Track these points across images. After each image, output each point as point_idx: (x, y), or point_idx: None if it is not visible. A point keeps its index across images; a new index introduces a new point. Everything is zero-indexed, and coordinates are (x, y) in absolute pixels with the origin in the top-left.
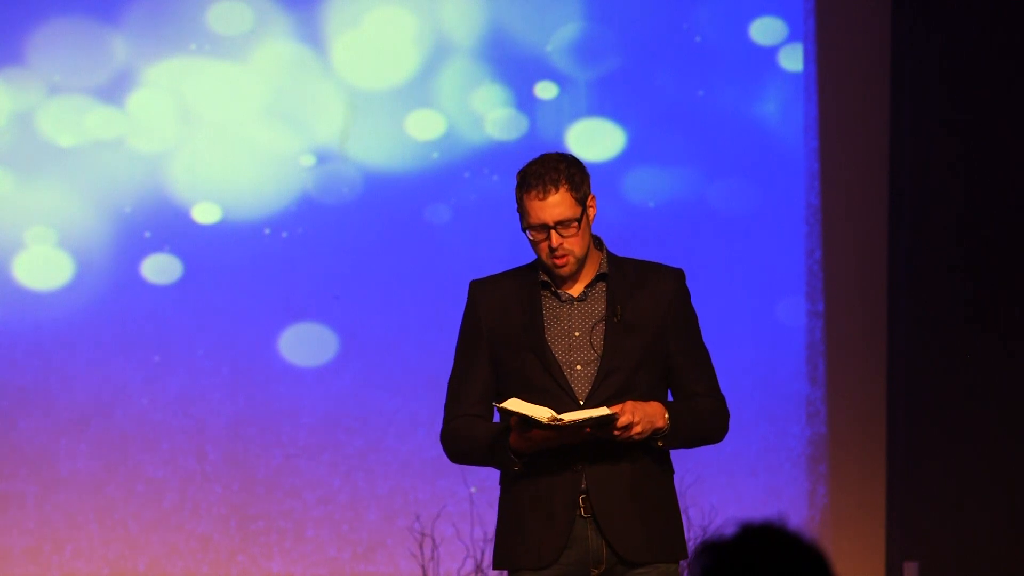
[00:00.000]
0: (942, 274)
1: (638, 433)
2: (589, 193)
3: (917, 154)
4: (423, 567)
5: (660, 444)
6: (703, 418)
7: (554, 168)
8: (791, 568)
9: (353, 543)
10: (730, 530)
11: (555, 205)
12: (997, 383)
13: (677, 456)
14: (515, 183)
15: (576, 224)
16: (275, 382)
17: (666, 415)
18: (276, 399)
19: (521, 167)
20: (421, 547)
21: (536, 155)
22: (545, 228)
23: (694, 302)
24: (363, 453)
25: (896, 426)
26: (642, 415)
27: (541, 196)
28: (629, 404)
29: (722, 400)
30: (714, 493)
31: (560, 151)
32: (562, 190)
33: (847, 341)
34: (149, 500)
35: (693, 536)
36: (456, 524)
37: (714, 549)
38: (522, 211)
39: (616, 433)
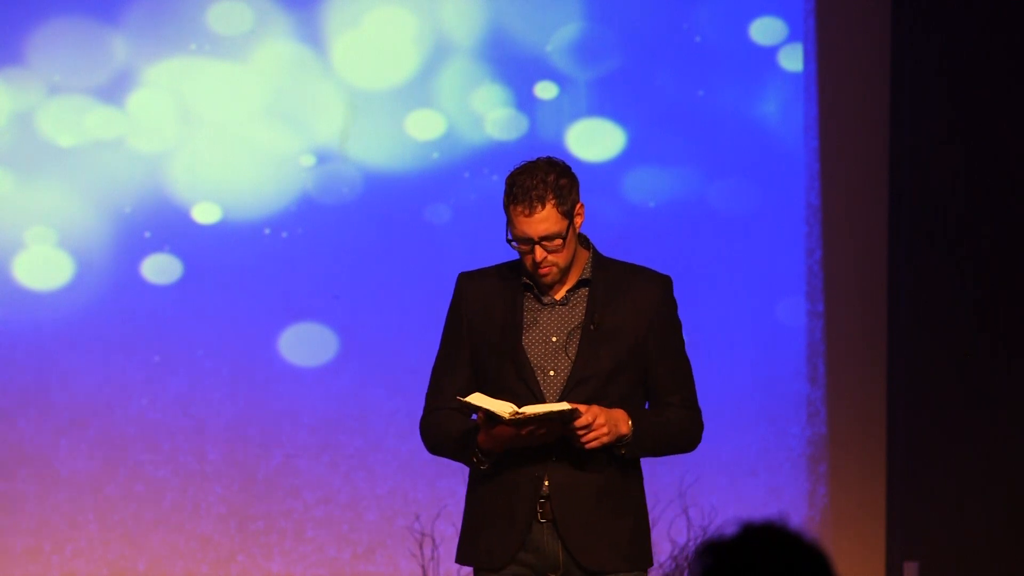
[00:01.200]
0: (942, 274)
1: (603, 434)
2: (577, 202)
3: (917, 154)
4: (423, 567)
5: (623, 452)
6: (670, 430)
7: (542, 181)
8: (792, 568)
9: (353, 543)
10: (731, 530)
11: (540, 221)
12: (997, 383)
13: (678, 457)
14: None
15: (561, 239)
16: (275, 382)
17: (629, 422)
18: (276, 399)
19: (511, 170)
20: (421, 547)
21: (536, 155)
22: (530, 241)
23: (694, 303)
24: (363, 453)
25: (896, 426)
26: (606, 418)
27: (527, 212)
28: (594, 407)
29: (696, 412)
30: (714, 493)
31: (551, 155)
32: (548, 206)
33: (847, 341)
34: (149, 500)
35: (693, 536)
36: (456, 524)
37: (715, 549)
38: (508, 220)
39: (579, 433)
